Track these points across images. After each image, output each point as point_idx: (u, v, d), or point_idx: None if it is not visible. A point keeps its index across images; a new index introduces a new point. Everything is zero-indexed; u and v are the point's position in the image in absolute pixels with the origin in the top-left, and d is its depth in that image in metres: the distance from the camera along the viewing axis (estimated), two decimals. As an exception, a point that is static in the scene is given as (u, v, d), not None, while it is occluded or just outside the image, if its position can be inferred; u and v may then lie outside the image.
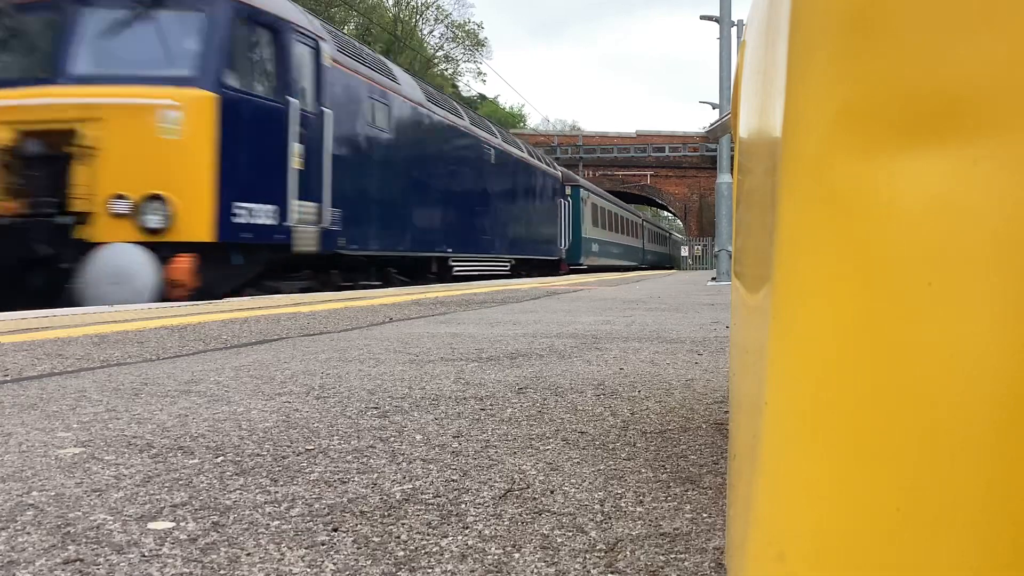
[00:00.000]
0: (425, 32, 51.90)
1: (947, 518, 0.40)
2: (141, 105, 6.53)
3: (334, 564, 0.90)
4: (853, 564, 0.42)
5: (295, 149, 7.84)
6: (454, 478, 1.25)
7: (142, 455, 1.38)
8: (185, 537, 0.98)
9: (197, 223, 6.63)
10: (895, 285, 0.44)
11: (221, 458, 1.36)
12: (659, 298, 7.14)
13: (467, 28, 52.71)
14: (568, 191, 22.62)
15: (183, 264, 6.39)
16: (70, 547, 0.94)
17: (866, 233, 0.45)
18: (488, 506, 1.11)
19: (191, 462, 1.33)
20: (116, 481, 1.21)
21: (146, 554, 0.92)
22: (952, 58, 0.43)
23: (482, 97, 58.66)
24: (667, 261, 48.10)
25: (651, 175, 44.46)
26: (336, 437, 1.52)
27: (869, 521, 0.42)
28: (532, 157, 18.82)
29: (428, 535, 0.99)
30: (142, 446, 1.44)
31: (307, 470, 1.29)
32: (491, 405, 1.87)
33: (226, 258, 7.14)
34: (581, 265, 23.59)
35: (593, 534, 1.00)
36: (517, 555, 0.92)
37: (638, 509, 1.10)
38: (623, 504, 1.12)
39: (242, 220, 7.08)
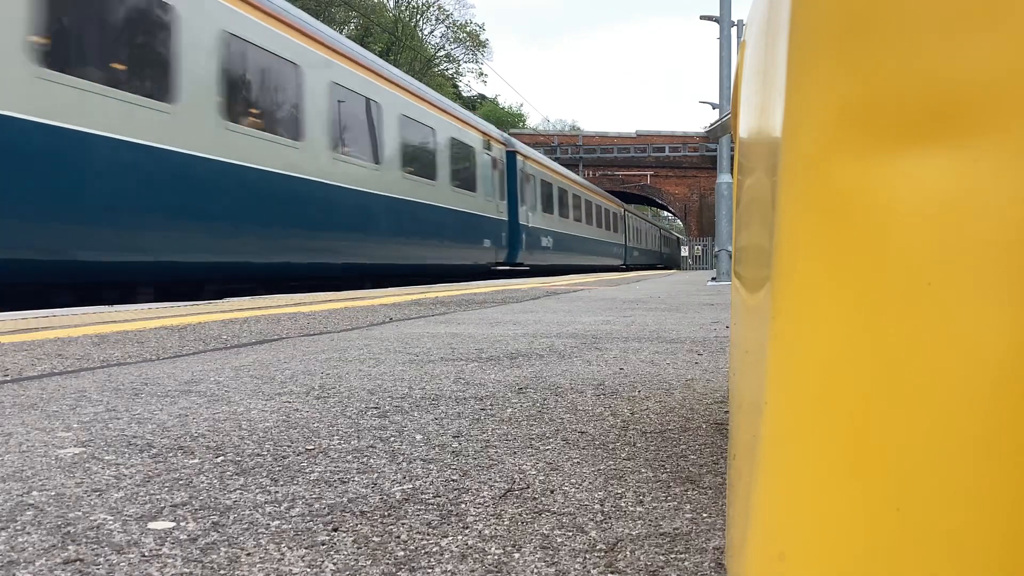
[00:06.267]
0: (426, 32, 51.91)
1: (947, 518, 0.40)
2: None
3: (334, 564, 0.90)
4: (853, 564, 0.42)
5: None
6: (454, 478, 1.25)
7: (142, 455, 1.38)
8: (185, 537, 0.98)
9: None
10: (895, 285, 0.44)
11: (221, 458, 1.36)
12: (659, 298, 7.14)
13: (468, 29, 52.76)
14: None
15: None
16: (70, 547, 0.94)
17: (866, 233, 0.45)
18: (488, 506, 1.11)
19: (191, 462, 1.33)
20: (116, 481, 1.21)
21: (146, 554, 0.92)
22: (952, 58, 0.43)
23: (482, 97, 58.67)
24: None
25: (651, 175, 44.47)
26: (336, 437, 1.52)
27: (869, 521, 0.42)
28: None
29: (428, 535, 0.99)
30: (142, 446, 1.44)
31: (307, 470, 1.29)
32: (491, 405, 1.87)
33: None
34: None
35: (593, 534, 1.00)
36: (517, 555, 0.92)
37: (638, 509, 1.10)
38: (623, 504, 1.12)
39: None
